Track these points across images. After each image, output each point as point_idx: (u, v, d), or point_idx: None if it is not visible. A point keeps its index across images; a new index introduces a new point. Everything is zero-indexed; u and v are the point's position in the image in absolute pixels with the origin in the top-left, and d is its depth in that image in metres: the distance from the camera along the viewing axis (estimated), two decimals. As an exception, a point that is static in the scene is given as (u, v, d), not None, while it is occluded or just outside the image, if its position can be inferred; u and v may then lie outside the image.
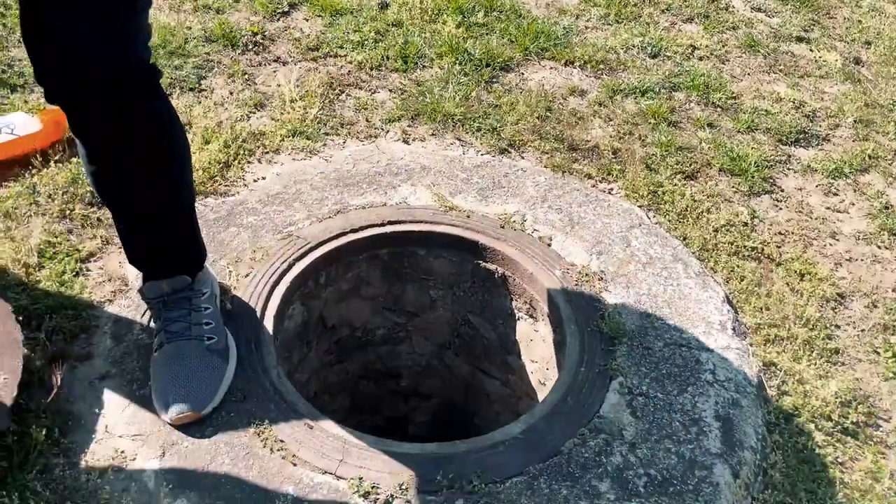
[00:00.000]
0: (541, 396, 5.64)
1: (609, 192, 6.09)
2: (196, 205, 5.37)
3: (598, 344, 4.72)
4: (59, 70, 2.77)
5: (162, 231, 4.16)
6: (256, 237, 5.24)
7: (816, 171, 6.76)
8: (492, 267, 5.48)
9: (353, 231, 5.37)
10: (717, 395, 4.49)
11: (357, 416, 7.07)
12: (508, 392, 6.18)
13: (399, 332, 6.26)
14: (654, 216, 5.88)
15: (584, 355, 4.64)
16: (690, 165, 6.52)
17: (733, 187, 6.40)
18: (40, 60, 2.74)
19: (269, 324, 4.71)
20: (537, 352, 5.50)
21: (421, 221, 5.49)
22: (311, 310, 5.47)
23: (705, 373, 4.62)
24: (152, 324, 4.33)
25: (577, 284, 5.10)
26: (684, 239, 5.67)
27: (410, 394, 6.93)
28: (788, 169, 6.74)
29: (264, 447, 3.98)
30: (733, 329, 4.96)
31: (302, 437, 4.02)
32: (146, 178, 3.78)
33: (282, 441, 4.00)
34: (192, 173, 4.17)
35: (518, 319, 5.59)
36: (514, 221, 5.57)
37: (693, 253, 5.54)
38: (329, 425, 4.13)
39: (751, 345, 4.91)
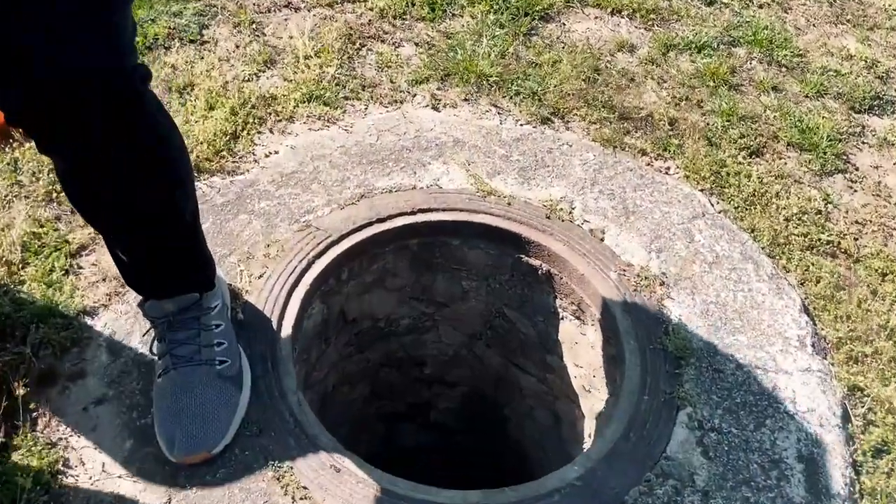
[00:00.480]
0: (584, 404, 5.11)
1: (666, 173, 5.39)
2: (201, 185, 4.72)
3: (661, 365, 4.13)
4: (29, 85, 2.09)
5: (161, 232, 3.51)
6: (270, 227, 4.60)
7: (894, 144, 6.02)
8: (535, 263, 4.85)
9: (380, 221, 4.72)
10: (798, 430, 3.93)
11: (376, 402, 6.59)
12: (545, 389, 5.65)
13: (426, 321, 5.68)
14: (718, 202, 5.20)
15: (646, 378, 4.06)
16: (756, 139, 5.79)
17: (803, 165, 5.68)
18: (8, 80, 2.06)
19: (286, 335, 4.12)
20: (583, 357, 4.93)
21: (455, 209, 4.83)
22: (331, 307, 4.87)
23: (784, 402, 4.05)
24: (154, 348, 3.74)
25: (635, 290, 4.48)
26: (752, 231, 5.00)
27: (435, 381, 6.41)
28: (863, 143, 6.00)
29: (285, 495, 3.45)
30: (812, 345, 4.36)
31: (327, 483, 3.49)
32: (140, 182, 3.12)
33: (305, 488, 3.47)
34: (192, 181, 3.49)
35: (562, 319, 5.00)
36: (562, 210, 4.90)
37: (763, 249, 4.88)
38: (355, 466, 3.59)
39: (832, 364, 4.32)
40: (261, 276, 4.33)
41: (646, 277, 4.54)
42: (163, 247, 3.44)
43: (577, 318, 4.85)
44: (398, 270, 5.10)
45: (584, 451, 3.78)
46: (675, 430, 3.88)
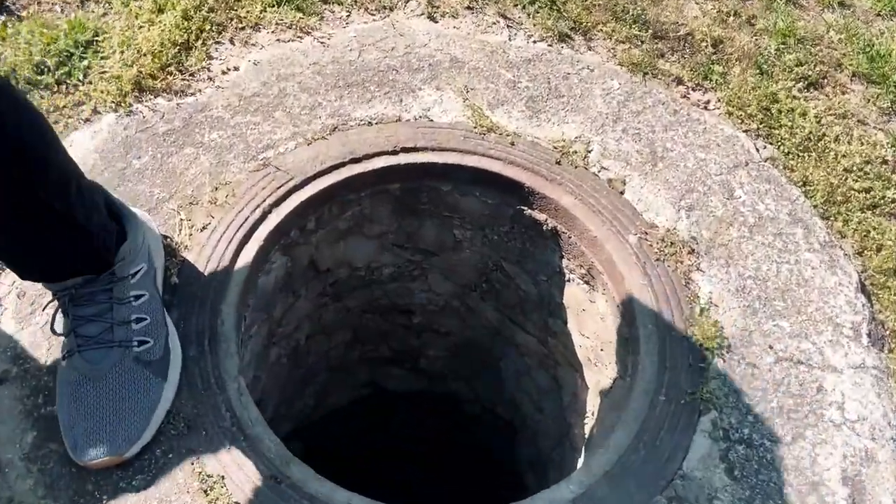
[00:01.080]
0: (589, 376, 4.43)
1: (705, 107, 4.50)
2: (141, 108, 3.92)
3: (684, 356, 3.41)
4: None
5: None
6: (221, 165, 3.81)
7: (979, 79, 5.04)
8: (540, 217, 4.06)
9: (355, 161, 3.91)
10: (845, 445, 3.24)
11: (359, 348, 5.97)
12: (545, 352, 4.97)
13: (412, 269, 4.96)
14: (765, 147, 4.32)
15: (664, 373, 3.34)
16: (815, 67, 4.83)
17: (870, 102, 4.75)
18: None
19: (231, 303, 3.41)
20: (590, 327, 4.21)
21: (447, 149, 4.00)
22: (296, 258, 4.15)
23: (830, 407, 3.34)
24: (57, 325, 3.05)
25: (658, 258, 3.70)
26: (805, 185, 4.16)
27: (424, 330, 5.76)
28: (943, 75, 5.01)
29: (213, 513, 2.84)
30: (869, 335, 3.61)
31: (265, 501, 2.86)
32: None
33: None
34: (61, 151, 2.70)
35: (569, 281, 4.25)
36: (576, 153, 4.06)
37: (816, 208, 4.05)
38: (302, 478, 2.95)
39: (892, 359, 3.58)
40: (204, 228, 3.58)
41: (672, 243, 3.75)
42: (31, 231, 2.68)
43: (587, 283, 4.10)
44: (377, 217, 4.33)
45: (583, 462, 3.13)
46: (696, 441, 3.19)
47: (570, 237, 3.98)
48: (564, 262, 4.18)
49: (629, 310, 3.60)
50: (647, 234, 3.78)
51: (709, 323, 3.50)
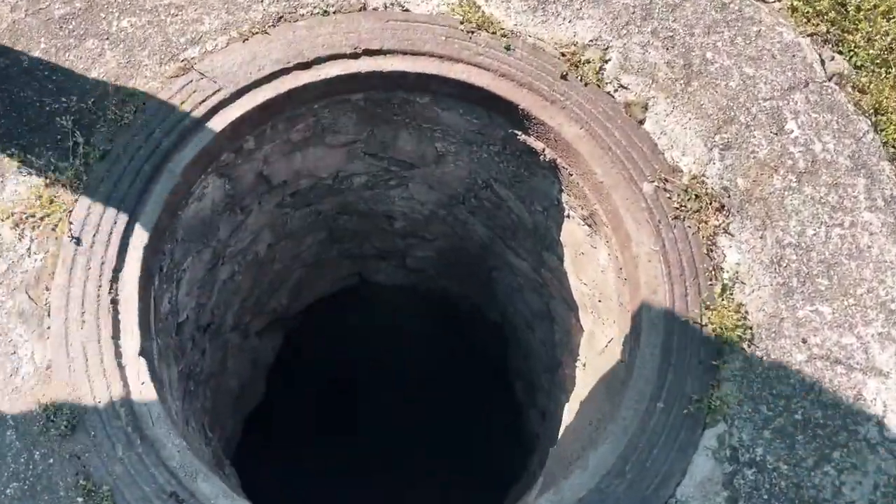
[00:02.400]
0: (584, 319, 3.81)
1: (764, 0, 3.50)
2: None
3: (694, 351, 2.76)
4: None
5: None
6: (131, 67, 2.99)
7: None
8: (536, 145, 3.25)
9: (303, 67, 3.06)
10: (879, 472, 2.66)
11: (337, 246, 5.35)
12: (539, 282, 4.33)
13: (389, 179, 4.22)
14: (833, 60, 3.39)
15: (666, 374, 2.71)
16: (913, -54, 3.72)
17: (976, -3, 3.69)
18: None
19: (135, 265, 2.75)
20: (589, 274, 3.54)
21: (424, 54, 3.12)
22: (237, 178, 3.43)
23: (868, 422, 2.72)
24: None
25: (677, 216, 2.94)
26: (876, 113, 3.29)
27: (408, 235, 5.10)
28: None
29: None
30: (929, 326, 2.91)
31: (163, 523, 2.37)
32: None
33: None
34: None
35: (568, 217, 3.52)
36: (588, 64, 3.17)
37: (887, 146, 3.21)
38: (213, 494, 2.44)
39: (951, 358, 2.90)
40: (105, 157, 2.84)
41: (696, 196, 2.97)
42: None
43: (588, 224, 3.37)
44: (341, 126, 3.52)
45: (555, 485, 2.57)
46: (695, 462, 2.62)
47: (571, 175, 3.19)
48: (564, 196, 3.42)
49: (633, 284, 2.91)
50: (666, 181, 2.99)
51: (731, 307, 2.81)
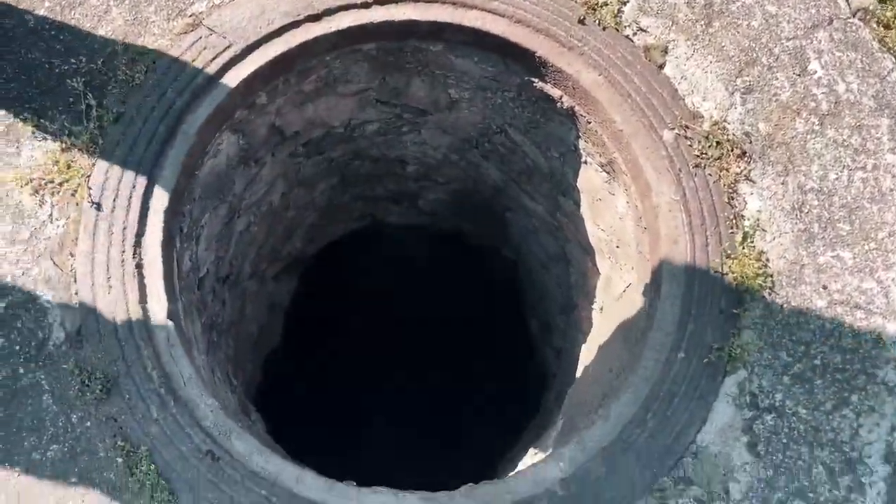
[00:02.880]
0: (601, 263, 3.82)
1: (786, -69, 3.36)
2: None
3: (715, 300, 2.78)
4: None
5: None
6: (138, 24, 2.92)
7: None
8: (554, 92, 3.20)
9: (313, 19, 2.99)
10: (895, 413, 2.71)
11: (350, 190, 5.33)
12: (555, 225, 4.32)
13: (401, 125, 4.17)
14: (858, -6, 3.29)
15: (686, 324, 2.74)
16: None
17: None
18: None
19: (156, 229, 2.75)
20: (607, 219, 3.53)
21: (437, 1, 3.04)
22: (251, 132, 3.39)
23: (886, 366, 2.76)
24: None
25: (698, 163, 2.91)
26: (902, 50, 3.19)
27: (421, 178, 5.07)
28: None
29: (139, 492, 2.44)
30: (950, 268, 2.91)
31: (200, 481, 2.46)
32: None
33: (167, 485, 2.44)
34: None
35: (585, 164, 3.50)
36: (606, 6, 3.09)
37: (911, 85, 3.14)
38: (245, 452, 2.52)
39: (971, 299, 2.92)
40: (119, 119, 2.81)
41: (718, 142, 2.93)
42: None
43: (606, 171, 3.34)
44: (352, 75, 3.46)
45: (578, 435, 2.63)
46: (716, 409, 2.68)
47: (589, 122, 3.15)
48: (581, 143, 3.38)
49: (653, 234, 2.90)
50: (687, 128, 2.94)
51: (752, 255, 2.81)
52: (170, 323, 2.62)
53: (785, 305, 2.79)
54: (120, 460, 2.46)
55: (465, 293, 7.16)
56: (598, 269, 3.93)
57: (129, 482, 2.45)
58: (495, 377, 7.26)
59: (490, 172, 4.49)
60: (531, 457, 3.58)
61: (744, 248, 2.83)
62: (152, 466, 2.46)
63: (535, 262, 5.23)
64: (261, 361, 5.99)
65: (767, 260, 2.83)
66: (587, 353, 3.84)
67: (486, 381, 7.31)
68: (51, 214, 2.76)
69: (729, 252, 2.82)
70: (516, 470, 3.64)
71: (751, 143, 2.96)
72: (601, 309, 3.85)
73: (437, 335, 7.15)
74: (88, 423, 2.50)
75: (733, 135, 2.96)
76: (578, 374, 3.98)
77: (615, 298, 3.57)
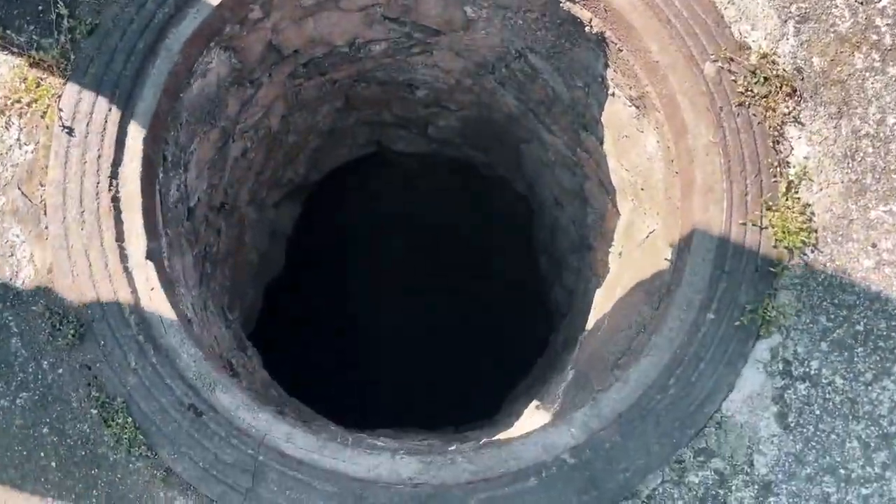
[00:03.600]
0: (622, 204, 3.54)
1: None
2: None
3: (751, 257, 2.51)
4: None
5: None
6: (114, -79, 2.57)
7: None
8: (583, 14, 2.85)
9: (312, -80, 2.62)
10: (940, 386, 2.48)
11: (355, 114, 5.01)
12: (574, 160, 4.02)
13: (411, 46, 3.82)
14: None
15: (718, 282, 2.49)
16: None
17: None
18: None
19: (135, 156, 2.48)
20: (632, 158, 3.23)
21: None
22: (243, 50, 3.07)
23: (934, 334, 2.51)
24: None
25: (742, 101, 2.59)
26: (979, -23, 2.82)
27: (431, 104, 4.73)
28: None
29: (115, 446, 2.26)
30: None
31: (181, 437, 2.27)
32: None
33: (144, 440, 2.26)
34: None
35: (612, 96, 3.17)
36: (647, -84, 2.70)
37: None
38: (233, 406, 2.32)
39: None
40: (93, 32, 2.50)
41: (765, 78, 2.60)
42: None
43: (636, 105, 3.02)
44: (357, -12, 3.11)
45: (593, 399, 2.41)
46: (744, 375, 2.45)
47: (621, 50, 2.81)
48: (610, 73, 3.05)
49: (686, 179, 2.61)
50: (732, 61, 2.61)
51: (795, 207, 2.53)
52: (149, 264, 2.38)
53: (828, 264, 2.52)
54: (94, 411, 2.27)
55: (474, 224, 6.91)
56: (618, 211, 3.66)
57: (104, 435, 2.27)
58: (502, 311, 7.08)
59: (506, 101, 4.16)
60: (537, 410, 3.39)
61: (787, 199, 2.54)
62: (129, 419, 2.27)
63: (548, 197, 4.95)
64: (262, 290, 5.81)
65: (812, 213, 2.55)
66: (602, 301, 3.61)
67: (492, 314, 7.14)
68: (18, 139, 2.49)
69: (770, 203, 2.54)
70: (521, 419, 3.47)
71: (802, 79, 2.63)
72: (619, 254, 3.59)
73: (444, 265, 6.94)
74: (61, 370, 2.30)
75: (783, 70, 2.63)
76: (592, 320, 3.76)
77: (636, 244, 3.31)
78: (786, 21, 2.68)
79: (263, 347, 4.90)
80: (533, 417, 3.18)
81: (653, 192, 3.10)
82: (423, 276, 6.97)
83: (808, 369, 2.46)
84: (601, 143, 3.45)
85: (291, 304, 6.27)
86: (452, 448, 2.56)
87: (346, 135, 5.33)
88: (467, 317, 7.03)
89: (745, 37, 2.66)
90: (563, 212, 4.78)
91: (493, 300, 6.97)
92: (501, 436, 3.16)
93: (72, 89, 2.43)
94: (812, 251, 2.53)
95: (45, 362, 2.29)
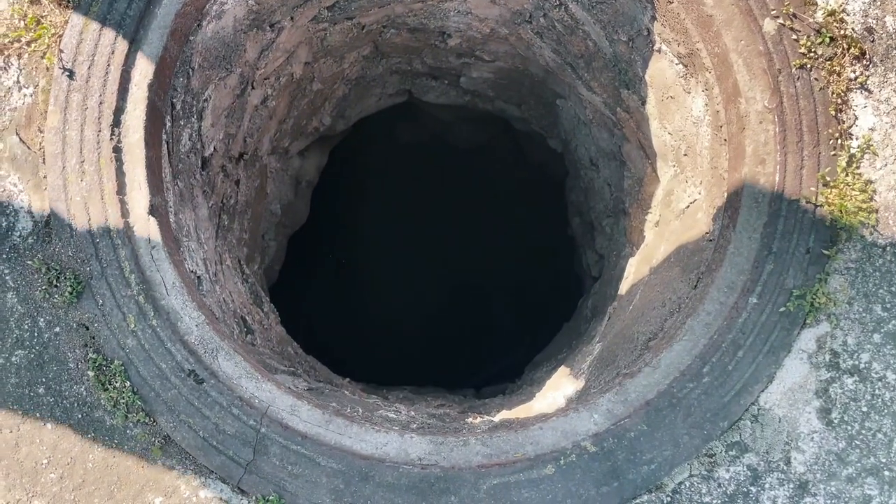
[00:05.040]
0: (662, 169, 3.31)
1: None
2: None
3: (802, 236, 2.29)
4: None
5: None
6: None
7: None
8: (630, -39, 2.58)
9: None
10: None
11: (384, 62, 4.77)
12: (612, 119, 3.77)
13: (444, -10, 3.57)
14: None
15: (764, 263, 2.28)
16: None
17: None
18: None
19: (138, 100, 2.32)
20: (675, 121, 3.00)
21: None
22: (263, -9, 2.86)
23: None
24: None
25: (803, 63, 2.34)
26: None
27: (464, 54, 4.48)
28: None
29: (112, 410, 2.16)
30: None
31: (181, 404, 2.16)
32: None
33: (142, 406, 2.15)
34: None
35: (658, 51, 2.92)
36: None
37: None
38: (236, 374, 2.20)
39: None
40: (95, -34, 2.31)
41: (832, 38, 2.34)
42: None
43: (683, 63, 2.77)
44: (385, -75, 2.87)
45: (619, 384, 2.24)
46: (786, 366, 2.26)
47: (670, 1, 2.55)
48: (657, 26, 2.79)
49: (735, 148, 2.38)
50: (795, 17, 2.34)
51: (856, 184, 2.29)
52: (152, 220, 2.24)
53: (888, 248, 2.29)
54: (91, 373, 2.16)
55: (505, 179, 6.69)
56: (657, 177, 3.43)
57: (101, 398, 2.17)
58: (531, 271, 6.90)
59: (543, 53, 3.90)
60: (559, 382, 3.24)
61: (847, 174, 2.30)
62: (127, 383, 2.16)
63: (584, 156, 4.70)
64: (285, 241, 5.69)
65: (874, 191, 2.31)
66: (635, 272, 3.41)
67: (519, 273, 6.97)
68: (17, 80, 2.34)
69: (828, 179, 2.30)
70: (542, 390, 3.33)
71: (873, 41, 2.36)
72: (656, 223, 3.37)
73: (473, 221, 6.74)
74: (57, 329, 2.19)
75: (852, 29, 2.36)
76: (623, 290, 3.57)
77: (675, 214, 3.09)
78: (859, -26, 2.39)
79: (286, 299, 4.81)
80: (555, 391, 3.04)
81: (697, 159, 2.87)
82: (449, 229, 6.79)
83: (857, 362, 2.26)
84: (643, 102, 3.20)
85: (315, 256, 6.14)
86: (466, 425, 2.42)
87: (375, 83, 5.11)
88: (492, 272, 6.86)
89: (811, -9, 2.38)
90: (598, 173, 4.54)
91: (522, 259, 6.78)
92: (521, 408, 3.03)
93: (73, 28, 2.26)
94: (871, 233, 2.30)
95: (42, 320, 2.18)
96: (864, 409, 2.25)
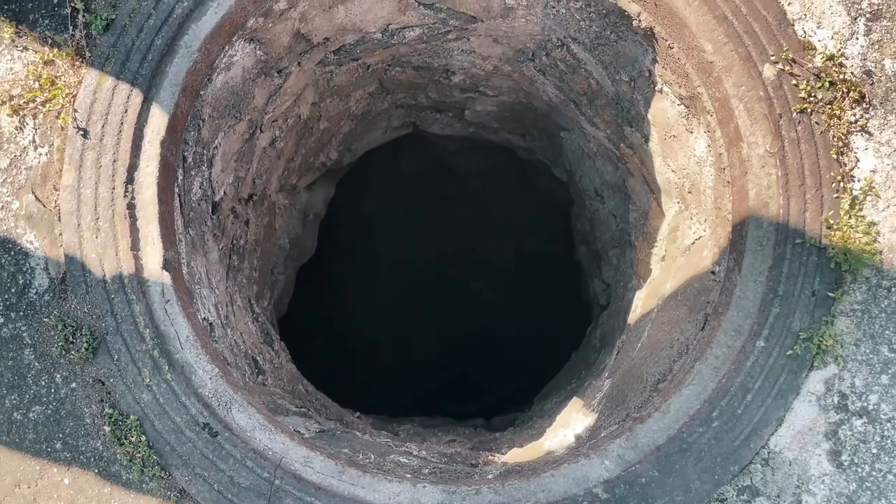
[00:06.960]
0: (666, 204, 3.34)
1: None
2: None
3: (808, 279, 2.32)
4: None
5: None
6: None
7: None
8: (631, 8, 2.64)
9: None
10: None
11: (389, 97, 4.83)
12: (616, 154, 3.81)
13: (447, 32, 3.63)
14: None
15: (770, 306, 2.30)
16: None
17: None
18: None
19: (151, 158, 2.37)
20: (679, 160, 3.03)
21: None
22: (271, 41, 2.93)
23: None
24: None
25: (803, 108, 2.37)
26: None
27: (467, 89, 4.53)
28: None
29: (129, 464, 2.19)
30: None
31: (196, 458, 2.19)
32: None
33: (158, 461, 2.18)
34: None
35: (660, 93, 2.96)
36: None
37: None
38: (250, 426, 2.22)
39: None
40: (109, 27, 2.37)
41: (831, 83, 2.37)
42: None
43: (685, 105, 2.81)
44: (389, -25, 2.93)
45: (629, 430, 2.26)
46: (795, 409, 2.27)
47: (671, 47, 2.59)
48: (658, 69, 2.83)
49: (739, 192, 2.41)
50: (794, 62, 2.38)
51: (859, 226, 2.32)
52: (165, 274, 2.28)
53: (893, 289, 2.31)
54: (108, 428, 2.19)
55: (512, 207, 6.72)
56: (662, 212, 3.46)
57: (117, 453, 2.20)
58: (537, 298, 6.92)
59: (546, 89, 3.95)
60: (571, 412, 3.25)
61: (850, 217, 2.33)
62: (143, 438, 2.19)
63: (588, 187, 4.74)
64: (293, 274, 5.73)
65: (877, 233, 2.33)
66: (643, 305, 3.43)
67: (527, 302, 6.99)
68: (33, 140, 2.39)
69: (831, 221, 2.33)
70: (553, 426, 3.34)
71: (872, 84, 2.40)
72: (662, 258, 3.40)
73: (481, 250, 6.77)
74: (73, 385, 2.22)
75: (851, 73, 2.39)
76: (631, 321, 3.59)
77: (681, 251, 3.11)
78: (855, 19, 2.43)
79: (293, 332, 4.84)
80: (565, 428, 3.05)
81: (701, 197, 2.90)
82: (457, 257, 6.81)
83: (865, 404, 2.27)
84: (646, 140, 3.24)
85: (323, 286, 6.18)
86: (477, 471, 2.44)
87: (380, 118, 5.16)
88: (501, 301, 6.87)
89: (810, 36, 2.42)
90: (603, 204, 4.58)
91: (529, 286, 6.80)
92: (531, 445, 3.04)
93: (87, 88, 2.31)
94: (875, 275, 2.32)
95: (59, 376, 2.21)
96: (874, 450, 2.26)
